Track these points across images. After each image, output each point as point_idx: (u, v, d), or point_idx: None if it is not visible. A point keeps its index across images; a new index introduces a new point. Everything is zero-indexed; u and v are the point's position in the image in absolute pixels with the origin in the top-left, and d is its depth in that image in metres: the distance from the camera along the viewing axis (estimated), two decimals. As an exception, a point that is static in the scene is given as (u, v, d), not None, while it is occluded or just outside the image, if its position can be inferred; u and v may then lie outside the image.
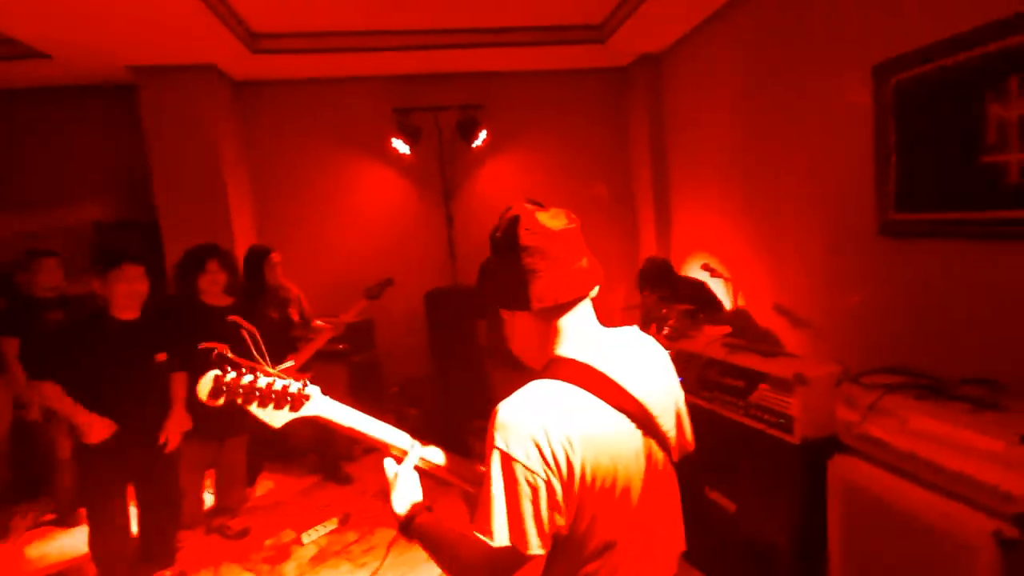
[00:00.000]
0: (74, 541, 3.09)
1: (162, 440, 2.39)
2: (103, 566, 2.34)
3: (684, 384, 2.61)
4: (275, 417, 1.03)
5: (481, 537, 0.84)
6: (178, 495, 2.61)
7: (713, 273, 3.41)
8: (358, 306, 3.23)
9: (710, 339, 2.51)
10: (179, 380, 2.49)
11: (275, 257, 3.29)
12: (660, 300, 3.26)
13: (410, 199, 4.60)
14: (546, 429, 0.84)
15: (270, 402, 1.02)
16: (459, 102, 4.34)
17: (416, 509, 1.00)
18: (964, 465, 1.46)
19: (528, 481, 0.83)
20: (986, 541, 1.36)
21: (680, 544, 1.07)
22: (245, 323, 1.03)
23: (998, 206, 1.93)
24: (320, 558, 2.82)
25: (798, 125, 2.94)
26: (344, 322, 3.27)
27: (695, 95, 4.03)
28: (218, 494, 3.08)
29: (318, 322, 3.43)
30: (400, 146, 4.29)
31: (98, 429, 2.19)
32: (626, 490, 0.92)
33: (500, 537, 0.83)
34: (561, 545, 0.89)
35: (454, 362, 4.10)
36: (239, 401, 1.01)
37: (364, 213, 4.58)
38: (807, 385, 1.89)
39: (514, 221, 0.95)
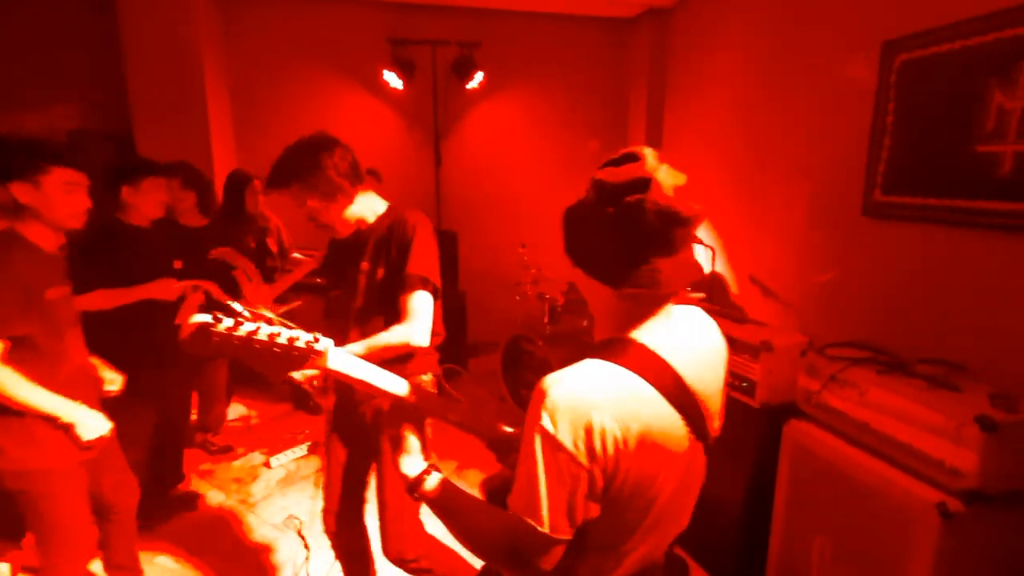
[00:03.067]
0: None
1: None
2: None
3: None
4: (276, 371, 0.89)
5: (530, 522, 0.79)
6: (188, 414, 2.64)
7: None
8: (337, 241, 3.17)
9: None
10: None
11: (257, 184, 3.18)
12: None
13: (399, 136, 4.44)
14: (602, 419, 0.76)
15: (271, 357, 0.87)
16: (457, 38, 4.15)
17: (425, 471, 0.96)
18: (915, 439, 1.53)
19: (571, 471, 0.77)
20: (929, 511, 1.44)
21: (685, 522, 1.02)
22: (242, 259, 0.96)
23: (986, 196, 1.93)
24: (287, 481, 2.89)
25: (801, 97, 2.89)
26: (322, 256, 3.21)
27: (701, 56, 3.92)
28: (200, 412, 3.13)
29: (296, 254, 3.38)
30: (392, 79, 4.11)
31: None
32: (662, 489, 0.87)
33: (548, 523, 0.78)
34: (593, 530, 0.84)
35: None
36: (231, 353, 0.85)
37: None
38: (772, 352, 1.94)
39: (642, 185, 0.79)
